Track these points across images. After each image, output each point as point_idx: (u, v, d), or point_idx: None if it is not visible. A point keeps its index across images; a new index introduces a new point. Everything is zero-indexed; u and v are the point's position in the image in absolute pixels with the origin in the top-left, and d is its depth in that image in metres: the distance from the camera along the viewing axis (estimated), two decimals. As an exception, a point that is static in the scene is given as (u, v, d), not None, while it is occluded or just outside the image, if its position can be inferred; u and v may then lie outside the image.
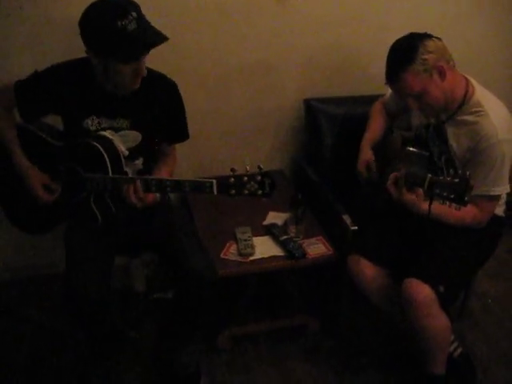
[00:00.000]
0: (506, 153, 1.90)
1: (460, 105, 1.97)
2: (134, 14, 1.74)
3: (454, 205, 1.66)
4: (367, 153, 2.28)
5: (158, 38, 1.78)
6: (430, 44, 1.86)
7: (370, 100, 2.48)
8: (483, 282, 2.77)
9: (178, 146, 2.19)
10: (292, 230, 2.32)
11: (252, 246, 2.24)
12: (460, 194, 1.61)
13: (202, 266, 1.99)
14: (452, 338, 2.16)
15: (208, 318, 2.13)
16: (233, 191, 1.78)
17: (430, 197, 1.75)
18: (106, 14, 1.72)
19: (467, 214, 1.96)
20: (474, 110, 1.94)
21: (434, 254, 2.00)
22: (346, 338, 2.44)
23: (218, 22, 2.50)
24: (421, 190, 1.81)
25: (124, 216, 2.08)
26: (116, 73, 1.83)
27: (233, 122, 2.74)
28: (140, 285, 2.61)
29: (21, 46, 2.33)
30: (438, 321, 1.92)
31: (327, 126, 2.63)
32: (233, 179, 1.77)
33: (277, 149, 2.86)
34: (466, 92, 1.96)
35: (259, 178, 1.76)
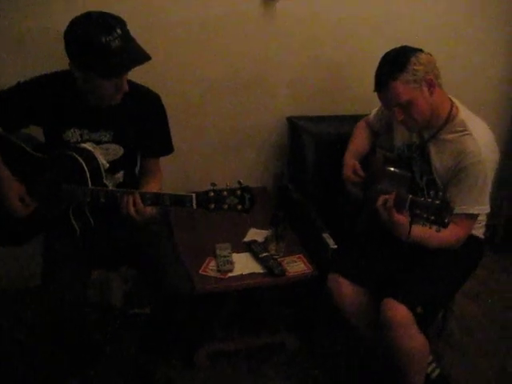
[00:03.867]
0: (487, 172, 1.92)
1: (444, 123, 1.99)
2: (119, 31, 1.75)
3: (435, 227, 1.67)
4: (352, 161, 2.29)
5: (141, 58, 1.79)
6: (422, 57, 1.88)
7: (355, 120, 2.49)
8: (462, 303, 2.77)
9: (160, 161, 2.18)
10: (272, 247, 2.31)
11: (231, 263, 2.22)
12: (441, 216, 1.62)
13: (179, 281, 1.98)
14: (430, 358, 2.15)
15: (185, 333, 2.12)
16: (212, 205, 1.79)
17: (411, 217, 1.76)
18: (91, 28, 1.72)
19: (450, 235, 1.95)
20: (457, 129, 1.96)
21: (413, 275, 2.00)
22: (323, 357, 2.42)
23: (201, 37, 2.50)
24: (408, 215, 1.81)
25: (103, 229, 2.06)
26: (97, 87, 1.83)
27: (216, 138, 2.74)
28: (117, 299, 2.57)
29: (2, 57, 2.32)
30: (414, 342, 1.91)
31: (310, 144, 2.62)
32: (212, 193, 1.78)
33: (260, 165, 2.86)
34: (451, 111, 1.98)
35: (239, 192, 1.77)
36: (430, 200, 1.66)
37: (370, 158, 2.34)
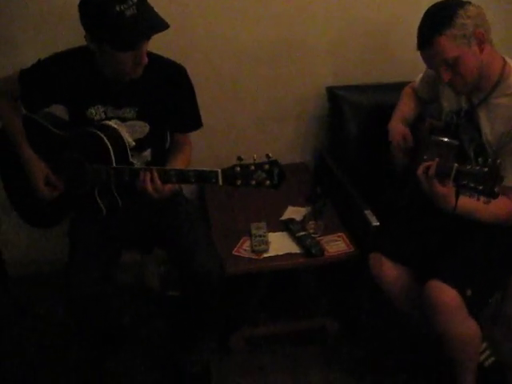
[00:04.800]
0: None
1: (495, 85, 1.78)
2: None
3: (483, 198, 1.49)
4: (401, 126, 2.11)
5: (158, 26, 1.67)
6: (471, 9, 1.68)
7: (399, 88, 2.28)
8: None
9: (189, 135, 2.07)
10: (311, 225, 2.18)
11: (266, 243, 2.10)
12: (489, 185, 1.44)
13: (209, 264, 1.89)
14: (484, 345, 1.98)
15: (219, 317, 2.02)
16: (239, 182, 1.68)
17: (457, 188, 1.58)
18: None
19: (501, 208, 1.77)
20: (510, 91, 1.76)
21: (461, 255, 1.82)
22: (366, 342, 2.28)
23: (230, 3, 2.36)
24: (451, 186, 1.64)
25: (131, 210, 1.99)
26: (114, 60, 1.73)
27: (250, 112, 2.61)
28: (153, 282, 2.51)
29: (24, 35, 2.27)
30: (465, 328, 1.74)
31: (351, 115, 2.46)
32: (239, 168, 1.67)
33: (298, 140, 2.71)
34: (503, 71, 1.77)
35: (267, 166, 1.65)
36: (477, 168, 1.48)
37: (416, 127, 2.16)
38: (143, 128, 1.94)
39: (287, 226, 2.21)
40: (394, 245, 1.96)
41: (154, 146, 2.00)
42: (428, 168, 1.67)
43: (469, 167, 1.51)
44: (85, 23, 1.68)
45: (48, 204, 1.96)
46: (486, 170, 1.47)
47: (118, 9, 1.59)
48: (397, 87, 2.32)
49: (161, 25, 1.67)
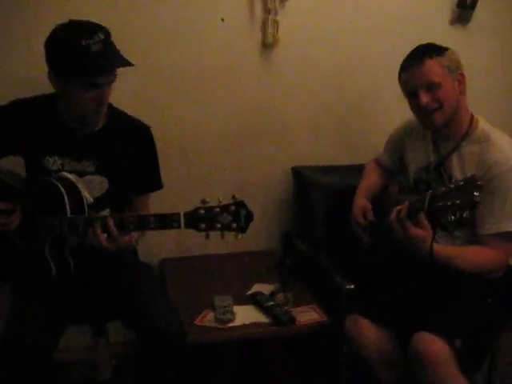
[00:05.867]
0: None
1: (465, 134, 1.81)
2: (102, 36, 1.65)
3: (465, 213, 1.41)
4: (363, 201, 2.07)
5: (123, 61, 1.68)
6: (457, 54, 1.82)
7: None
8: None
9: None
10: (280, 297, 2.03)
11: (231, 313, 1.93)
12: (467, 195, 1.37)
13: (169, 325, 1.69)
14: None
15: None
16: (203, 225, 1.59)
17: (432, 224, 1.50)
18: (72, 32, 1.65)
19: (482, 257, 1.71)
20: (480, 139, 1.79)
21: (446, 308, 1.69)
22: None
23: (196, 84, 2.40)
24: (427, 223, 1.57)
25: (84, 276, 1.82)
26: (77, 100, 1.69)
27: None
28: (105, 374, 2.21)
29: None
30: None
31: (317, 196, 2.42)
32: (203, 211, 1.58)
33: (265, 225, 2.60)
34: (471, 123, 1.83)
35: (233, 208, 1.56)
36: (452, 185, 1.45)
37: (383, 193, 2.13)
38: (102, 184, 1.84)
39: (254, 299, 2.04)
40: (372, 306, 1.82)
41: (112, 206, 1.87)
42: (400, 211, 1.62)
43: (443, 188, 1.46)
44: (51, 58, 1.67)
45: None
46: (461, 183, 1.42)
47: (83, 42, 1.61)
48: (361, 169, 2.30)
49: (126, 61, 1.67)
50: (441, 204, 1.44)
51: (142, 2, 2.27)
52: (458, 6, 2.56)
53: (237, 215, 1.57)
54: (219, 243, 2.51)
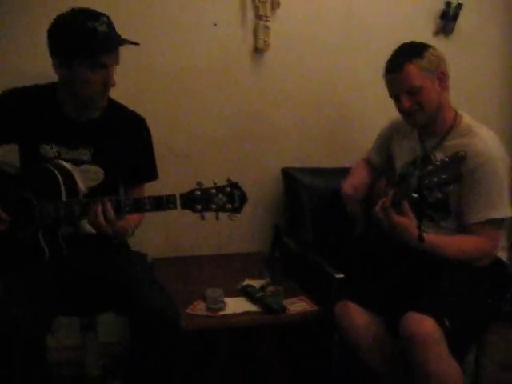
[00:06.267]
0: (500, 171, 1.77)
1: (449, 129, 1.88)
2: (105, 19, 1.72)
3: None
4: (350, 182, 2.15)
5: (127, 40, 1.75)
6: (437, 51, 1.88)
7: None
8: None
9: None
10: (270, 289, 2.03)
11: (222, 302, 1.93)
12: (453, 169, 1.43)
13: (163, 305, 1.69)
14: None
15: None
16: (198, 206, 1.64)
17: (418, 212, 1.56)
18: (78, 17, 1.70)
19: (470, 245, 1.77)
20: (463, 132, 1.85)
21: (435, 290, 1.72)
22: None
23: (187, 87, 2.46)
24: (409, 210, 1.63)
25: (76, 262, 1.83)
26: (84, 83, 1.72)
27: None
28: (93, 372, 2.19)
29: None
30: (446, 365, 1.57)
31: (307, 196, 2.47)
32: (199, 192, 1.63)
33: (254, 227, 2.64)
34: (455, 118, 1.90)
35: (228, 189, 1.62)
36: (438, 162, 1.51)
37: (371, 189, 2.17)
38: (97, 174, 1.86)
39: (245, 291, 2.05)
40: (360, 292, 1.84)
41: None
42: (384, 202, 1.68)
43: (430, 167, 1.52)
44: (57, 44, 1.71)
45: None
46: (446, 159, 1.48)
47: (90, 25, 1.67)
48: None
49: (130, 41, 1.74)
50: (427, 182, 1.50)
51: (137, 6, 2.35)
52: (441, 17, 2.68)
53: (232, 196, 1.62)
54: (209, 244, 2.63)
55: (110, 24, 1.72)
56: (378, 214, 1.71)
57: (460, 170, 1.45)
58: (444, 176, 1.46)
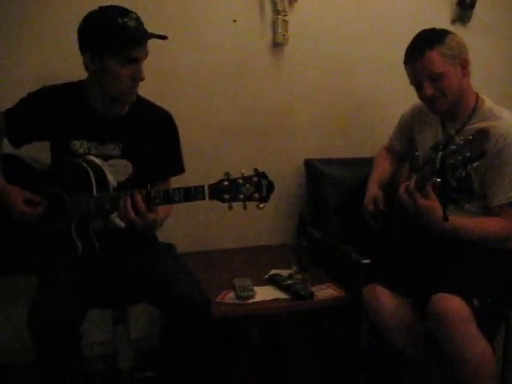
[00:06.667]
0: None
1: (471, 113, 1.89)
2: (134, 15, 1.78)
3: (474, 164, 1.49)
4: (374, 189, 2.14)
5: (157, 34, 1.79)
6: (459, 37, 1.88)
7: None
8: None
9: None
10: (298, 277, 2.06)
11: (252, 290, 1.97)
12: (477, 146, 1.45)
13: (192, 290, 1.74)
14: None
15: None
16: (227, 196, 1.67)
17: (444, 176, 1.57)
18: (108, 14, 1.76)
19: (495, 226, 1.77)
20: (485, 116, 1.87)
21: (462, 269, 1.74)
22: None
23: (209, 83, 2.50)
24: (433, 193, 1.65)
25: (108, 257, 1.87)
26: (114, 77, 1.78)
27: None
28: (125, 363, 2.24)
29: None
30: (476, 344, 1.59)
31: (330, 188, 2.50)
32: (227, 183, 1.67)
33: (279, 220, 2.67)
34: (477, 102, 1.91)
35: (255, 179, 1.66)
36: (461, 142, 1.52)
37: (394, 177, 2.20)
38: (126, 168, 1.91)
39: (273, 280, 2.09)
40: (388, 275, 1.87)
41: (135, 192, 1.95)
42: (408, 185, 1.70)
43: (453, 147, 1.53)
44: (88, 40, 1.77)
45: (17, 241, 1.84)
46: (470, 137, 1.49)
47: (120, 21, 1.73)
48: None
49: (159, 35, 1.79)
50: (452, 161, 1.51)
51: (156, 5, 2.38)
52: (458, 4, 2.69)
53: (259, 186, 1.65)
54: (235, 237, 2.66)
55: (138, 19, 1.77)
56: (402, 196, 1.72)
57: (483, 147, 1.46)
58: (468, 154, 1.48)
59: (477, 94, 1.93)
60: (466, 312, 1.58)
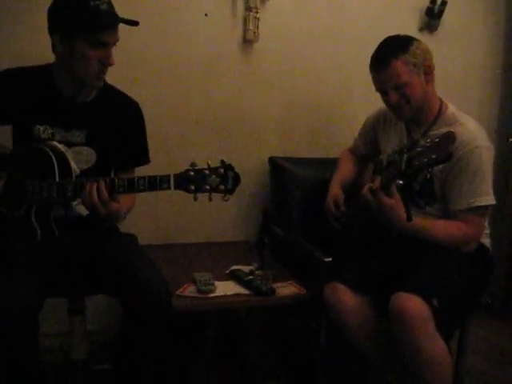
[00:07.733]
0: (484, 159, 1.83)
1: (435, 119, 1.93)
2: None
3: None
4: (336, 189, 2.17)
5: (128, 19, 1.76)
6: (423, 44, 1.90)
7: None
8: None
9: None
10: (259, 274, 2.06)
11: (212, 284, 1.96)
12: (443, 148, 1.48)
13: (153, 278, 1.72)
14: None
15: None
16: (192, 186, 1.65)
17: (407, 178, 1.60)
18: None
19: (455, 227, 1.81)
20: (449, 121, 1.91)
21: (424, 269, 1.78)
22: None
23: (179, 74, 2.49)
24: (396, 192, 1.68)
25: (67, 245, 1.83)
26: (83, 60, 1.73)
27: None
28: (80, 354, 2.19)
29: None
30: (433, 345, 1.62)
31: (294, 186, 2.51)
32: (192, 173, 1.65)
33: (241, 217, 2.68)
34: (441, 107, 1.95)
35: (222, 171, 1.64)
36: (427, 144, 1.55)
37: (357, 180, 2.23)
38: (90, 156, 1.87)
39: (234, 275, 2.08)
40: (349, 274, 1.89)
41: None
42: (371, 186, 1.74)
43: (419, 149, 1.56)
44: (59, 21, 1.72)
45: None
46: (436, 140, 1.52)
47: (92, 4, 1.68)
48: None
49: (131, 20, 1.76)
50: (417, 163, 1.54)
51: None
52: (426, 14, 2.75)
53: (225, 177, 1.64)
54: (197, 232, 2.64)
55: (110, 3, 1.74)
56: (366, 195, 1.75)
57: (450, 150, 1.49)
58: (434, 156, 1.51)
59: (441, 100, 1.97)
60: (425, 311, 1.61)
